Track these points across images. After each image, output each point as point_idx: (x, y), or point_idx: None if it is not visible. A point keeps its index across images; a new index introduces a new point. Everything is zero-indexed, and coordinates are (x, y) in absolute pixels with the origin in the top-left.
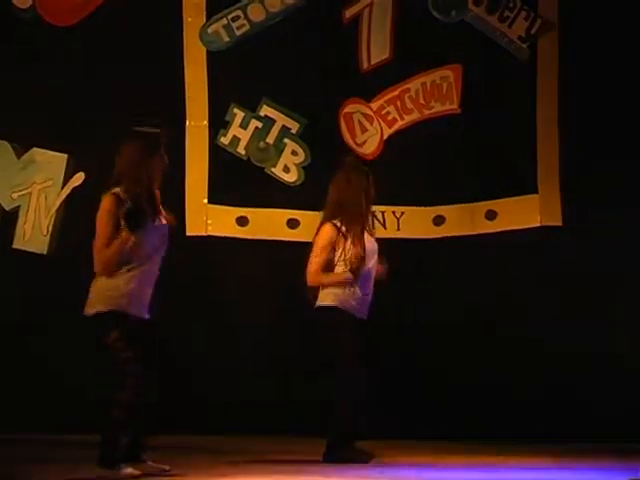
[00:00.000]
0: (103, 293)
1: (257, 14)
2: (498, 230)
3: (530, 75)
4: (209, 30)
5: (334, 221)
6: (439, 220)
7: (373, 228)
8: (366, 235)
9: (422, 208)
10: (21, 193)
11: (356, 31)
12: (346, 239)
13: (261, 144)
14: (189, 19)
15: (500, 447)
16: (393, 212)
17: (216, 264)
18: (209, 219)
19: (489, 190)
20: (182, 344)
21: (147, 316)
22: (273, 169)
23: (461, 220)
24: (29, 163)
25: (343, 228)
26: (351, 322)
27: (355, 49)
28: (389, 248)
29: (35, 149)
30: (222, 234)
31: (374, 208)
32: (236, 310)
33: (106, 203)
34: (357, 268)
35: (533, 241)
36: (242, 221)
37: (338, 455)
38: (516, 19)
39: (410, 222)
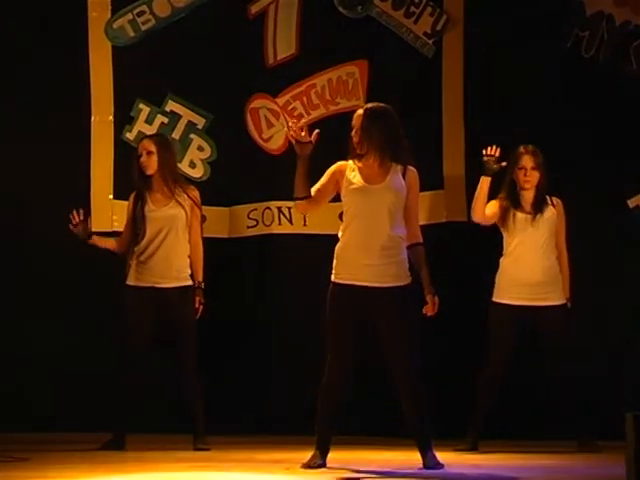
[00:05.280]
0: None
1: (163, 9)
2: None
3: (436, 71)
4: (114, 25)
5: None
6: None
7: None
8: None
9: (329, 204)
10: None
11: (262, 27)
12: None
13: None
14: (94, 14)
15: None
16: None
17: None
18: (115, 214)
19: None
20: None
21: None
22: (179, 165)
23: None
24: None
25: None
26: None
27: (261, 45)
28: (295, 244)
29: None
30: None
31: (280, 204)
32: None
33: None
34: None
35: (439, 237)
36: None
37: None
38: (422, 15)
39: (317, 218)
